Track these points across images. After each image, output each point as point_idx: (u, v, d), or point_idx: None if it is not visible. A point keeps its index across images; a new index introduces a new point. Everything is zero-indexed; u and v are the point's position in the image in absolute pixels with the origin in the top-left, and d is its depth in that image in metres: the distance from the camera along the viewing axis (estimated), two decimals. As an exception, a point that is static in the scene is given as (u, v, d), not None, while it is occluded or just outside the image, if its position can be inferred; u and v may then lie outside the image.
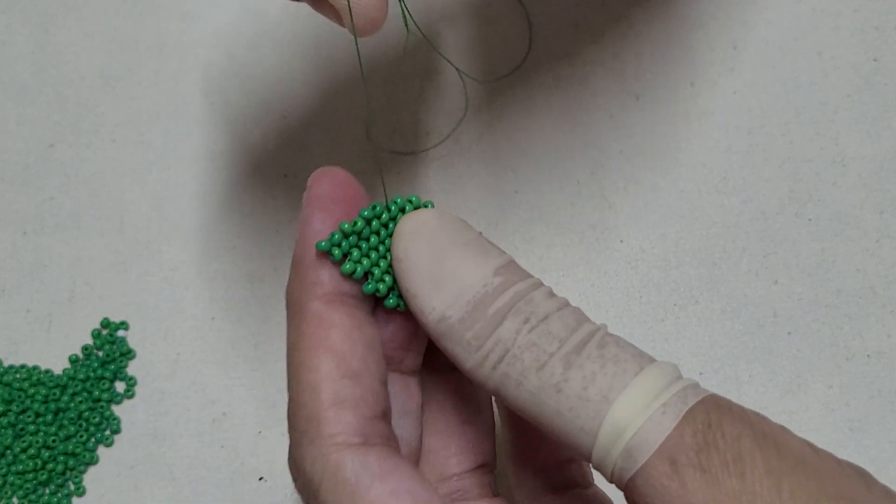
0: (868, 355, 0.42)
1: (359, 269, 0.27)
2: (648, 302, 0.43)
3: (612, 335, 0.26)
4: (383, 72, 0.47)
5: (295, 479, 0.27)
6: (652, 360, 0.26)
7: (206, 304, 0.44)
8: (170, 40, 0.48)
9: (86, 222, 0.45)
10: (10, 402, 0.42)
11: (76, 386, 0.43)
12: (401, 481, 0.25)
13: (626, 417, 0.24)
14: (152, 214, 0.45)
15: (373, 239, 0.28)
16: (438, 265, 0.27)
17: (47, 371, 0.43)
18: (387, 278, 0.28)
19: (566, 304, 0.27)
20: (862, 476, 0.24)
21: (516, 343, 0.25)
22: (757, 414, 0.25)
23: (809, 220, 0.44)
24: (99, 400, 0.43)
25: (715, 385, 0.41)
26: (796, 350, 0.42)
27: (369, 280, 0.28)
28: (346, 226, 0.27)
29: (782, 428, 0.24)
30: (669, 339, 0.42)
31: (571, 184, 0.45)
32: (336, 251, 0.27)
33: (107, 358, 0.43)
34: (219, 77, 0.47)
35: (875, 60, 0.46)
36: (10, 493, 0.41)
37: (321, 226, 0.27)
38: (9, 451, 0.42)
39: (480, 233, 0.28)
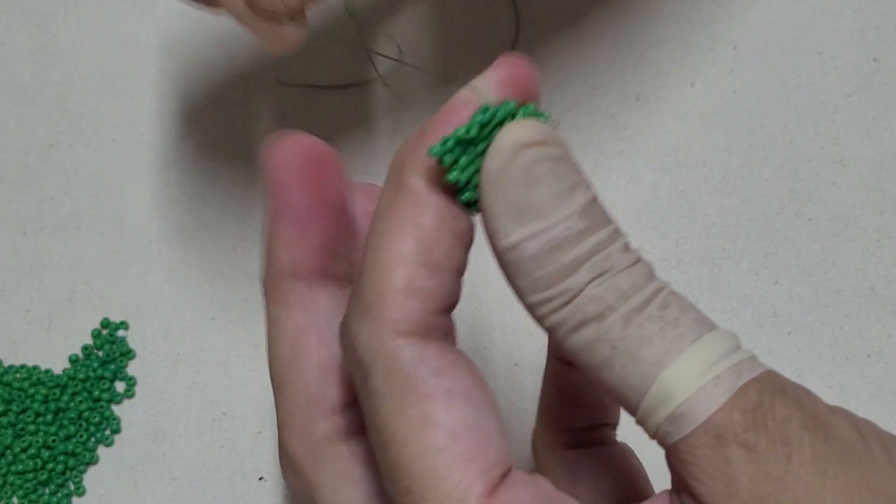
0: (868, 355, 0.42)
1: (464, 176, 0.26)
2: (648, 302, 0.43)
3: (675, 295, 0.25)
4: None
5: (342, 346, 0.26)
6: (713, 328, 0.25)
7: (206, 304, 0.44)
8: (170, 40, 0.48)
9: (86, 222, 0.45)
10: (9, 402, 0.42)
11: (76, 386, 0.43)
12: (457, 380, 0.24)
13: (677, 384, 0.23)
14: (152, 214, 0.45)
15: (480, 146, 0.26)
16: (525, 192, 0.25)
17: (47, 371, 0.43)
18: None
19: (638, 259, 0.26)
20: None
21: (583, 294, 0.24)
22: (811, 396, 0.24)
23: (809, 220, 0.44)
24: (99, 400, 0.43)
25: (715, 385, 0.41)
26: (796, 350, 0.42)
27: (468, 189, 0.26)
28: (461, 131, 0.26)
29: (835, 412, 0.24)
30: (669, 339, 0.42)
31: (571, 184, 0.45)
32: (447, 157, 0.26)
33: (107, 358, 0.43)
34: (219, 77, 0.47)
35: (875, 60, 0.46)
36: (10, 493, 0.41)
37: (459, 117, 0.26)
38: (9, 451, 0.42)
39: (574, 160, 0.26)
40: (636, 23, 0.47)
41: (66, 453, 0.42)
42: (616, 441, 0.33)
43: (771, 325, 0.42)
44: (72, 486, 0.42)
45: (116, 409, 0.43)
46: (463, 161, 0.26)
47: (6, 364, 0.43)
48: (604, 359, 0.24)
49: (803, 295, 0.43)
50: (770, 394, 0.24)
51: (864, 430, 0.24)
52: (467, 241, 0.26)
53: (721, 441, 0.23)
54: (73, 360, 0.43)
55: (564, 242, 0.25)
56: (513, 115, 0.27)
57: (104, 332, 0.44)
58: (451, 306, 0.26)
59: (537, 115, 0.27)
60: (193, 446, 0.42)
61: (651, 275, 0.26)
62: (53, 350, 0.44)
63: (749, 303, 0.43)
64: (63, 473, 0.42)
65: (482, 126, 0.26)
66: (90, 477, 0.42)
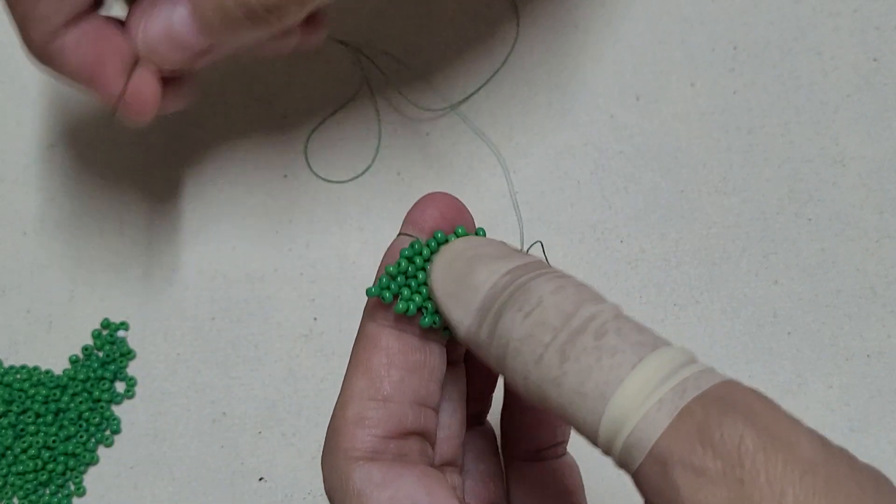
0: (868, 355, 0.42)
1: (411, 306, 0.28)
2: (648, 302, 0.43)
3: (617, 320, 0.25)
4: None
5: (324, 483, 0.29)
6: (656, 347, 0.24)
7: (206, 304, 0.44)
8: (170, 40, 0.48)
9: (86, 222, 0.45)
10: (10, 402, 0.42)
11: (76, 386, 0.43)
12: (400, 488, 0.27)
13: (623, 414, 0.23)
14: (152, 214, 0.45)
15: (421, 275, 0.29)
16: (462, 284, 0.27)
17: (47, 371, 0.43)
18: None
19: (566, 285, 0.26)
20: (876, 483, 0.22)
21: (513, 336, 0.25)
22: (769, 408, 0.23)
23: (809, 220, 0.44)
24: (99, 400, 0.43)
25: (715, 385, 0.42)
26: (796, 350, 0.42)
27: (424, 314, 0.28)
28: (391, 268, 0.29)
29: (795, 426, 0.23)
30: (669, 338, 0.42)
31: (572, 184, 0.45)
32: (386, 294, 0.28)
33: (107, 358, 0.43)
34: (219, 77, 0.47)
35: (875, 60, 0.46)
36: (10, 493, 0.41)
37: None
38: (9, 452, 0.42)
39: (512, 246, 0.28)
40: (636, 23, 0.47)
41: (66, 454, 0.42)
42: (563, 456, 0.34)
43: (771, 325, 0.42)
44: (72, 487, 0.42)
45: (116, 410, 0.43)
46: (406, 293, 0.28)
47: (6, 364, 0.43)
48: (555, 399, 0.24)
49: (803, 295, 0.43)
50: (718, 412, 0.22)
51: (835, 451, 0.23)
52: (426, 371, 0.29)
53: (667, 468, 0.22)
54: (74, 361, 0.43)
55: (491, 298, 0.26)
56: (445, 241, 0.30)
57: (104, 332, 0.44)
58: (412, 431, 0.28)
59: (478, 233, 0.30)
60: (193, 446, 0.42)
61: (584, 299, 0.25)
62: (53, 350, 0.44)
63: (749, 303, 0.43)
64: (63, 474, 0.42)
65: (410, 259, 0.29)
66: (90, 477, 0.42)
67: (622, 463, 0.23)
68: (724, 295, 0.43)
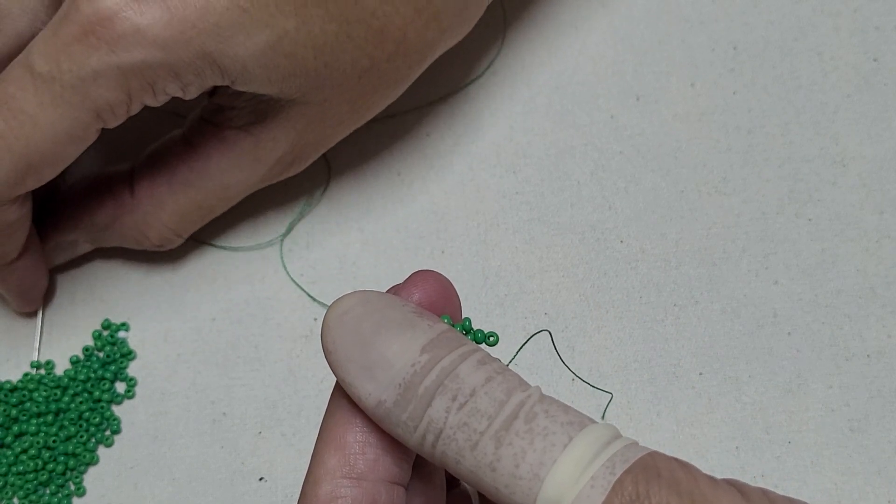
0: (868, 355, 0.42)
1: None
2: (648, 302, 0.43)
3: (543, 402, 0.26)
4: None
5: None
6: (584, 425, 0.25)
7: (206, 304, 0.44)
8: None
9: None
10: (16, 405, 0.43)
11: (77, 386, 0.43)
12: None
13: (557, 493, 0.24)
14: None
15: None
16: (367, 351, 0.27)
17: (49, 373, 0.43)
18: None
19: (495, 372, 0.26)
20: None
21: (448, 423, 0.26)
22: (690, 474, 0.24)
23: (809, 220, 0.44)
24: (99, 400, 0.43)
25: (715, 385, 0.41)
26: (796, 350, 0.42)
27: None
28: None
29: (713, 485, 0.24)
30: (669, 339, 0.42)
31: (572, 184, 0.45)
32: None
33: (107, 359, 0.43)
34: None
35: (875, 60, 0.46)
36: (10, 493, 0.41)
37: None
38: (9, 452, 0.42)
39: (410, 306, 0.28)
40: (636, 23, 0.47)
41: (66, 454, 0.42)
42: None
43: (771, 325, 0.42)
44: (72, 487, 0.42)
45: (117, 410, 0.43)
46: None
47: (6, 363, 0.43)
48: (490, 483, 0.25)
49: (803, 295, 0.43)
50: (645, 482, 0.24)
51: (754, 499, 0.24)
52: (400, 452, 0.28)
53: None
54: (74, 362, 0.43)
55: (413, 379, 0.26)
56: None
57: (105, 333, 0.44)
58: None
59: (453, 326, 0.29)
60: (193, 446, 0.42)
61: (513, 386, 0.26)
62: (54, 351, 0.44)
63: (749, 303, 0.43)
64: (63, 474, 0.42)
65: None
66: (90, 477, 0.42)
67: None
68: (724, 295, 0.43)
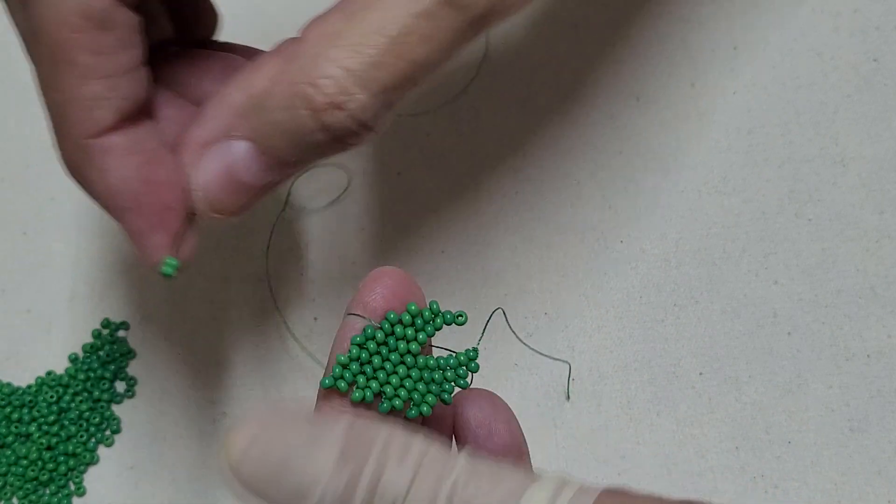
0: (868, 355, 0.42)
1: (368, 393, 0.28)
2: (648, 302, 0.43)
3: (472, 479, 0.24)
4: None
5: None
6: (521, 494, 0.23)
7: (206, 304, 0.44)
8: (170, 40, 0.48)
9: (86, 222, 0.45)
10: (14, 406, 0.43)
11: (77, 386, 0.43)
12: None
13: None
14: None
15: (375, 360, 0.28)
16: (281, 486, 0.24)
17: (49, 372, 0.43)
18: (401, 392, 0.28)
19: (420, 456, 0.24)
20: None
21: None
22: None
23: (809, 220, 0.44)
24: (99, 400, 0.43)
25: (715, 385, 0.41)
26: (796, 350, 0.42)
27: (383, 400, 0.28)
28: (342, 357, 0.28)
29: None
30: (669, 339, 0.42)
31: (572, 184, 0.45)
32: (342, 384, 0.28)
33: (107, 358, 0.43)
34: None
35: (875, 60, 0.46)
36: (10, 493, 0.41)
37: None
38: (9, 452, 0.42)
39: (304, 411, 0.26)
40: (636, 23, 0.47)
41: (66, 453, 0.42)
42: None
43: (771, 325, 0.42)
44: (72, 487, 0.42)
45: (117, 410, 0.43)
46: (361, 381, 0.28)
47: (6, 363, 0.43)
48: None
49: (803, 295, 0.43)
50: None
51: None
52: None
53: None
54: (73, 360, 0.43)
55: (346, 498, 0.24)
56: (400, 322, 0.29)
57: (105, 332, 0.44)
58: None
59: (421, 312, 0.29)
60: (193, 446, 0.42)
61: (440, 474, 0.24)
62: (54, 350, 0.44)
63: (749, 303, 0.43)
64: (64, 474, 0.42)
65: (362, 345, 0.28)
66: (90, 477, 0.42)
67: None
68: (724, 295, 0.43)
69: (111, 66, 0.27)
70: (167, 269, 0.29)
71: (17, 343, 0.44)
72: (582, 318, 0.43)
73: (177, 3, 0.33)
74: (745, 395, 0.41)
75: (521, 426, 0.39)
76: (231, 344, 0.43)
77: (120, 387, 0.43)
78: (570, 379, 0.41)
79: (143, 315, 0.44)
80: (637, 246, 0.44)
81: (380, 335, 0.28)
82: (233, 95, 0.28)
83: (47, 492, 0.42)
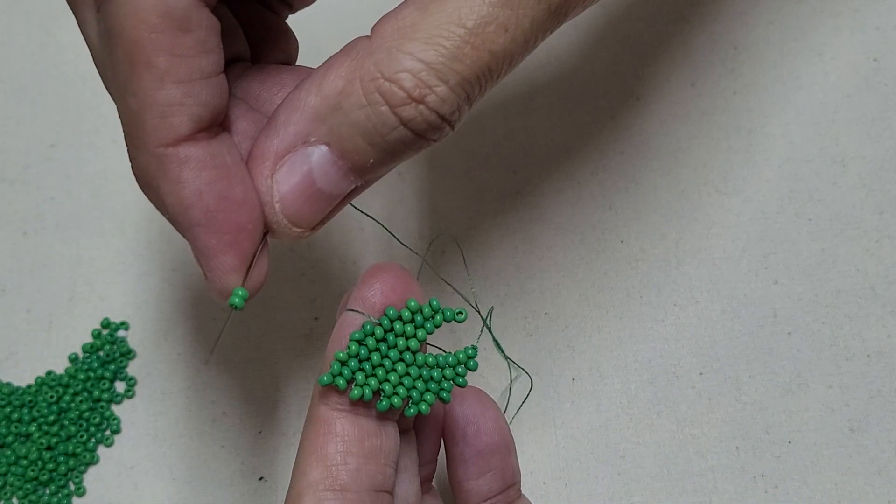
0: (868, 355, 0.42)
1: (367, 391, 0.28)
2: (648, 302, 0.43)
3: None
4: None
5: None
6: None
7: (206, 304, 0.44)
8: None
9: (86, 222, 0.45)
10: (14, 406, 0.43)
11: (77, 385, 0.43)
12: None
13: None
14: (152, 214, 0.45)
15: (374, 356, 0.28)
16: None
17: (49, 372, 0.43)
18: (400, 390, 0.28)
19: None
20: None
21: None
22: None
23: (809, 220, 0.44)
24: (99, 400, 0.43)
25: (715, 385, 0.42)
26: (796, 350, 0.42)
27: (381, 398, 0.28)
28: (341, 354, 0.28)
29: None
30: (669, 339, 0.42)
31: (572, 184, 0.45)
32: (340, 381, 0.28)
33: (107, 358, 0.43)
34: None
35: (875, 60, 0.46)
36: (10, 493, 0.41)
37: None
38: (9, 451, 0.42)
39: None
40: (636, 23, 0.47)
41: (66, 453, 0.42)
42: (519, 499, 0.34)
43: (771, 325, 0.42)
44: (72, 487, 0.42)
45: (116, 410, 0.43)
46: (360, 378, 0.28)
47: (6, 363, 0.43)
48: None
49: (803, 295, 0.43)
50: None
51: None
52: (383, 457, 0.28)
53: None
54: (73, 360, 0.43)
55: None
56: (399, 318, 0.28)
57: (104, 332, 0.44)
58: None
59: (421, 308, 0.29)
60: (193, 446, 0.42)
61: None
62: (54, 350, 0.44)
63: (749, 303, 0.43)
64: (64, 474, 0.42)
65: (361, 342, 0.28)
66: (90, 477, 0.42)
67: None
68: (724, 295, 0.43)
69: (190, 69, 0.26)
70: (237, 301, 0.27)
71: (17, 343, 0.44)
72: (582, 318, 0.43)
73: (253, 22, 0.32)
74: (745, 395, 0.41)
75: (522, 426, 0.40)
76: (231, 344, 0.43)
77: (120, 387, 0.43)
78: (527, 396, 0.41)
79: (143, 315, 0.44)
80: (637, 246, 0.44)
81: (379, 331, 0.28)
82: (306, 99, 0.27)
83: (47, 492, 0.42)
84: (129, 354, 0.43)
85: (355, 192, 0.28)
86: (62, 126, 0.47)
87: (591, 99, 0.46)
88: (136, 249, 0.45)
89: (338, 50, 0.28)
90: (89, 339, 0.44)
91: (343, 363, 0.28)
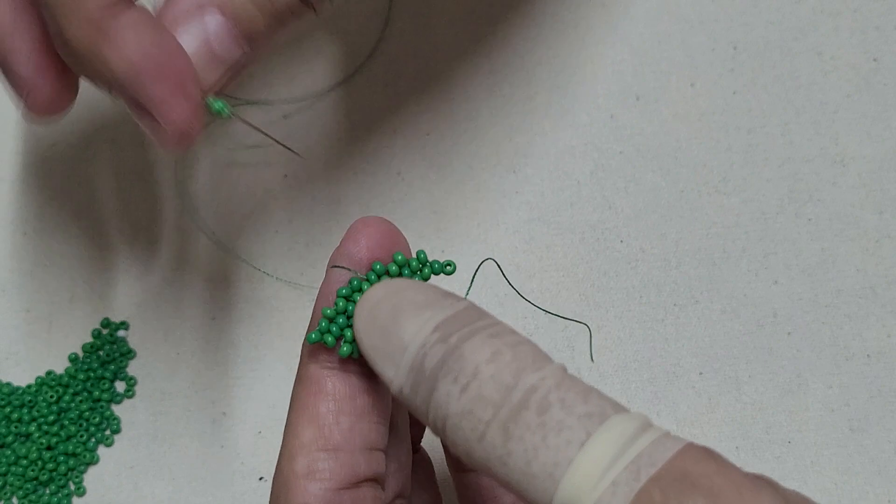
0: (868, 355, 0.42)
1: (356, 348, 0.27)
2: (648, 302, 0.43)
3: (560, 388, 0.23)
4: (381, 77, 0.47)
5: None
6: (605, 417, 0.22)
7: (206, 304, 0.44)
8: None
9: (86, 222, 0.45)
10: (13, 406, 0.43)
11: (77, 385, 0.43)
12: None
13: (574, 498, 0.21)
14: (153, 214, 0.45)
15: None
16: (388, 337, 0.25)
17: (49, 372, 0.43)
18: None
19: (506, 346, 0.24)
20: None
21: (451, 411, 0.23)
22: (731, 481, 0.21)
23: (809, 220, 0.44)
24: (99, 400, 0.43)
25: (715, 385, 0.41)
26: (796, 350, 0.42)
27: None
28: (328, 311, 0.27)
29: (757, 497, 0.21)
30: (669, 339, 0.42)
31: (572, 184, 0.45)
32: (329, 338, 0.27)
33: (107, 358, 0.43)
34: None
35: (875, 60, 0.46)
36: (10, 493, 0.41)
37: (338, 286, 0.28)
38: (9, 451, 0.42)
39: (438, 289, 0.26)
40: (636, 23, 0.47)
41: (66, 453, 0.42)
42: None
43: (771, 325, 0.42)
44: (72, 486, 0.42)
45: (116, 409, 0.43)
46: (349, 334, 0.27)
47: (6, 363, 0.43)
48: (503, 476, 0.23)
49: (803, 295, 0.43)
50: (677, 493, 0.21)
51: None
52: (376, 415, 0.27)
53: None
54: (73, 359, 0.43)
55: (422, 361, 0.24)
56: (386, 273, 0.28)
57: (104, 332, 0.44)
58: (365, 478, 0.27)
59: (408, 261, 0.28)
60: (193, 446, 0.42)
61: (524, 366, 0.23)
62: (54, 350, 0.44)
63: (749, 303, 0.43)
64: (64, 474, 0.42)
65: (348, 297, 0.27)
66: (90, 477, 0.42)
67: None
68: (724, 295, 0.43)
69: None
70: (220, 107, 0.29)
71: (17, 343, 0.44)
72: (582, 318, 0.43)
73: None
74: (745, 395, 0.41)
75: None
76: (231, 344, 0.43)
77: (120, 387, 0.43)
78: (591, 342, 0.41)
79: (143, 315, 0.44)
80: (637, 246, 0.44)
81: (366, 287, 0.28)
82: None
83: (47, 492, 0.42)
84: (129, 354, 0.43)
85: (245, 60, 0.30)
86: (62, 126, 0.47)
87: (591, 98, 0.46)
88: (136, 249, 0.45)
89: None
90: (89, 339, 0.44)
91: (331, 320, 0.27)
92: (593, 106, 0.46)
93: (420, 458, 0.33)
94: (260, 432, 0.42)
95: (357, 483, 0.27)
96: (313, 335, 0.27)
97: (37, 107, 0.30)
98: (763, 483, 0.22)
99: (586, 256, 0.44)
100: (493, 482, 0.31)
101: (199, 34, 0.29)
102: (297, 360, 0.43)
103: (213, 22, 0.29)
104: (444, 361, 0.24)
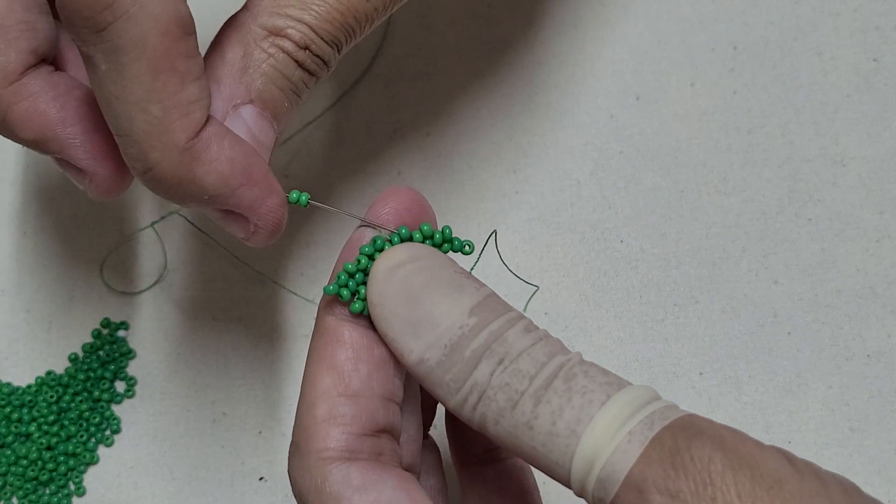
0: (868, 355, 0.42)
1: (367, 306, 0.28)
2: (648, 302, 0.43)
3: (582, 364, 0.26)
4: (384, 75, 0.47)
5: (292, 487, 0.28)
6: (622, 386, 0.25)
7: (206, 305, 0.44)
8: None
9: (85, 222, 0.45)
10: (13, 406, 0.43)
11: (77, 385, 0.43)
12: (382, 492, 0.26)
13: (594, 449, 0.24)
14: (153, 214, 0.45)
15: None
16: (414, 308, 0.27)
17: (49, 372, 0.43)
18: None
19: (540, 338, 0.27)
20: (845, 492, 0.23)
21: (490, 384, 0.26)
22: (734, 433, 0.24)
23: (809, 220, 0.44)
24: (99, 400, 0.43)
25: (715, 385, 0.42)
26: (796, 350, 0.42)
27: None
28: (350, 266, 0.28)
29: (759, 446, 0.24)
30: (669, 339, 0.42)
31: (572, 184, 0.45)
32: (345, 292, 0.28)
33: (107, 358, 0.43)
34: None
35: (875, 60, 0.46)
36: (10, 493, 0.41)
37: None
38: (9, 451, 0.42)
39: (457, 266, 0.28)
40: (636, 23, 0.47)
41: (66, 453, 0.42)
42: (514, 457, 0.34)
43: (771, 325, 0.42)
44: (72, 487, 0.42)
45: (116, 410, 0.43)
46: (363, 291, 0.28)
47: (6, 363, 0.43)
48: (528, 442, 0.25)
49: (803, 295, 0.43)
50: (686, 437, 0.24)
51: (800, 465, 0.24)
52: (391, 366, 0.28)
53: (643, 493, 0.23)
54: (73, 359, 0.43)
55: (460, 342, 0.26)
56: (409, 238, 0.29)
57: (104, 332, 0.44)
58: (383, 428, 0.28)
59: (433, 233, 0.29)
60: (193, 446, 0.42)
61: (555, 350, 0.26)
62: (54, 350, 0.44)
63: (749, 303, 0.43)
64: (64, 474, 0.42)
65: (371, 256, 0.28)
66: (90, 477, 0.42)
67: (597, 499, 0.24)
68: (724, 295, 0.43)
69: (200, 67, 0.29)
70: (297, 197, 0.30)
71: (17, 343, 0.44)
72: (582, 318, 0.43)
73: None
74: (745, 395, 0.41)
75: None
76: (231, 344, 0.43)
77: (120, 387, 0.43)
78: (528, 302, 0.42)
79: (143, 315, 0.44)
80: (637, 246, 0.44)
81: (388, 247, 0.28)
82: (218, 73, 0.30)
83: (47, 492, 0.42)
84: (129, 354, 0.43)
85: (277, 138, 0.32)
86: (62, 126, 0.47)
87: (591, 98, 0.46)
88: (136, 249, 0.45)
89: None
90: (89, 339, 0.44)
91: (351, 275, 0.28)
92: (593, 106, 0.46)
93: (429, 444, 0.34)
94: (260, 432, 0.42)
95: (377, 431, 0.28)
96: (331, 287, 0.28)
97: (100, 192, 0.32)
98: (771, 447, 0.24)
99: (586, 256, 0.44)
100: (496, 475, 0.33)
101: (242, 127, 0.30)
102: (297, 360, 0.43)
103: (248, 112, 0.30)
104: (489, 346, 0.26)
